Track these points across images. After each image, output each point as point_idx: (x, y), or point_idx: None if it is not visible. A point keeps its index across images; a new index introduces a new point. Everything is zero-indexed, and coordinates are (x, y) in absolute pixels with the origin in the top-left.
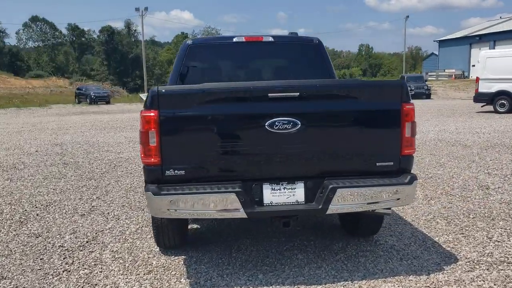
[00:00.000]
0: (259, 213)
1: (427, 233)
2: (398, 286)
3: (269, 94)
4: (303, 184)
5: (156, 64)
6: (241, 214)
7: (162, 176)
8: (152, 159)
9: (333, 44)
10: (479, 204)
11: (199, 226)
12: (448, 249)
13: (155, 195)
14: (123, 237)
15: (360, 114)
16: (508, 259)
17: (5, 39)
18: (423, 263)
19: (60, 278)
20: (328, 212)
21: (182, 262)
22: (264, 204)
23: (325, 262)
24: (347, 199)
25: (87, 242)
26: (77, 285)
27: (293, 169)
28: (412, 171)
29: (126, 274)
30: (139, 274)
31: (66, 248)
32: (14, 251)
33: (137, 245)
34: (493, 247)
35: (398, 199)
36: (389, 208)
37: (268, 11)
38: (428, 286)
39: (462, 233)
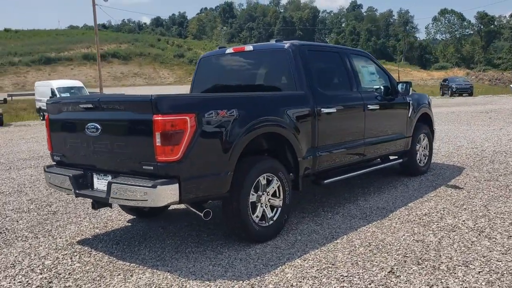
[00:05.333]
0: (86, 195)
1: (327, 253)
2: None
3: (80, 105)
4: (110, 177)
5: None
6: (73, 193)
7: (53, 160)
8: (48, 147)
9: None
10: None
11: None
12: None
13: (44, 171)
14: None
15: (127, 123)
16: None
17: (416, 34)
18: (237, 273)
19: (54, 218)
20: (110, 201)
21: (120, 227)
22: (95, 189)
23: (181, 253)
24: (118, 193)
25: None
26: (42, 218)
27: (105, 164)
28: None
29: (77, 224)
30: (82, 225)
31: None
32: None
33: None
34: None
35: (146, 200)
36: (206, 211)
37: None
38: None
39: (356, 263)
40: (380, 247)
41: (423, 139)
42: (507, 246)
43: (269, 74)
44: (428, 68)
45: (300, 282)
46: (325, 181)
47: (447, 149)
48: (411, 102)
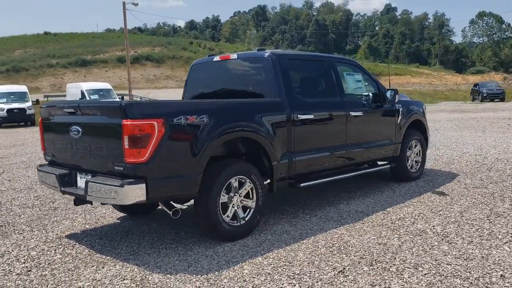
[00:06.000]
0: (69, 192)
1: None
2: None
3: (64, 110)
4: (90, 176)
5: None
6: (59, 191)
7: (46, 159)
8: (42, 148)
9: None
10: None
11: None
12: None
13: (37, 169)
14: None
15: (102, 127)
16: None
17: (452, 37)
18: (198, 266)
19: (53, 213)
20: (88, 199)
21: (109, 223)
22: (78, 187)
23: (155, 249)
24: (93, 191)
25: None
26: (43, 213)
27: (86, 164)
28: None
29: (72, 220)
30: (76, 221)
31: None
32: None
33: None
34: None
35: (115, 198)
36: (174, 210)
37: None
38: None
39: (313, 262)
40: (342, 248)
41: (415, 146)
42: (463, 251)
43: (251, 81)
44: (464, 72)
45: (253, 277)
46: (302, 184)
47: (450, 155)
48: (400, 109)
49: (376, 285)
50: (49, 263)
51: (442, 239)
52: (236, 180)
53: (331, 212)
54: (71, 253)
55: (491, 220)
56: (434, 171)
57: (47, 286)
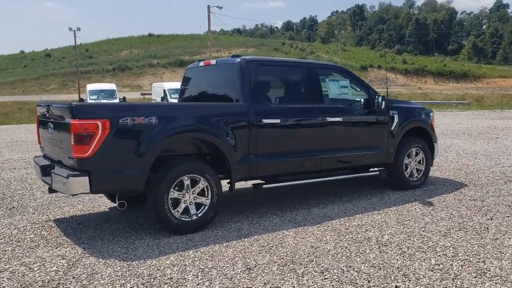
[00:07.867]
0: (45, 181)
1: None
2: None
3: (44, 109)
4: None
5: None
6: (40, 179)
7: (41, 151)
8: (38, 141)
9: None
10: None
11: None
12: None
13: (33, 161)
14: None
15: (61, 125)
16: None
17: None
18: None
19: (63, 200)
20: (53, 188)
21: (99, 211)
22: None
23: (112, 236)
24: (54, 181)
25: None
26: (55, 199)
27: (59, 157)
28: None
29: (72, 206)
30: (75, 207)
31: None
32: None
33: None
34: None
35: (64, 188)
36: (120, 202)
37: None
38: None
39: (233, 258)
40: (273, 248)
41: (416, 153)
42: (386, 260)
43: (223, 86)
44: None
45: (169, 268)
46: (264, 186)
47: (480, 166)
48: (396, 115)
49: (269, 284)
50: (18, 241)
51: (378, 248)
52: (188, 178)
53: (299, 214)
54: (43, 234)
55: (448, 234)
56: (447, 180)
57: (1, 259)
